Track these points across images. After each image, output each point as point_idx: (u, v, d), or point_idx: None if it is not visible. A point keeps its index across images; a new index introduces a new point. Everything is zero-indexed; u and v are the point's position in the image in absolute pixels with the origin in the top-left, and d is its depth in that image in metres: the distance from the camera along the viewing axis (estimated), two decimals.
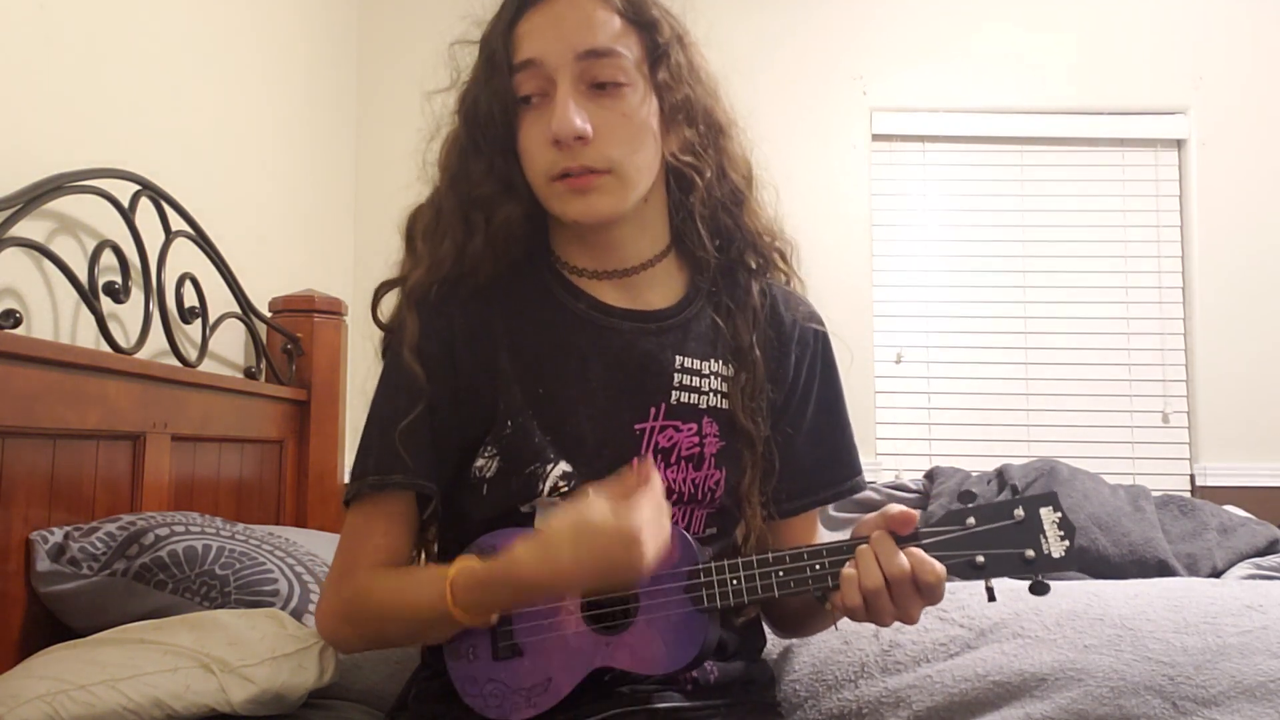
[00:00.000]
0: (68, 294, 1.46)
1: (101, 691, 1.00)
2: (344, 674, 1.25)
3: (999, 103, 2.97)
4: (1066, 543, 0.86)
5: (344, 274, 2.72)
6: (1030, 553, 0.86)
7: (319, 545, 1.60)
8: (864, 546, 0.88)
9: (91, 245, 1.52)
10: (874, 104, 2.98)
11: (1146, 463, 2.89)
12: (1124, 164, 2.99)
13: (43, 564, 1.27)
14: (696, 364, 1.04)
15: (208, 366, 1.86)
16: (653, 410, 1.01)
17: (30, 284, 1.41)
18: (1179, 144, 2.97)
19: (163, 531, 1.33)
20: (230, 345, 2.04)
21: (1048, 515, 0.87)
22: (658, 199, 1.06)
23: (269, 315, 2.17)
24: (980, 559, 0.87)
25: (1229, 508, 2.16)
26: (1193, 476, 2.87)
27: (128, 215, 1.59)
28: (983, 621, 1.27)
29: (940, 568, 0.86)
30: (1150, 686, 1.17)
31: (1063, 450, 2.73)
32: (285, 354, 2.18)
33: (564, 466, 0.99)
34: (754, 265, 1.10)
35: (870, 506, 2.14)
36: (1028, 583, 0.88)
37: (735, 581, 0.91)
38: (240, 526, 1.49)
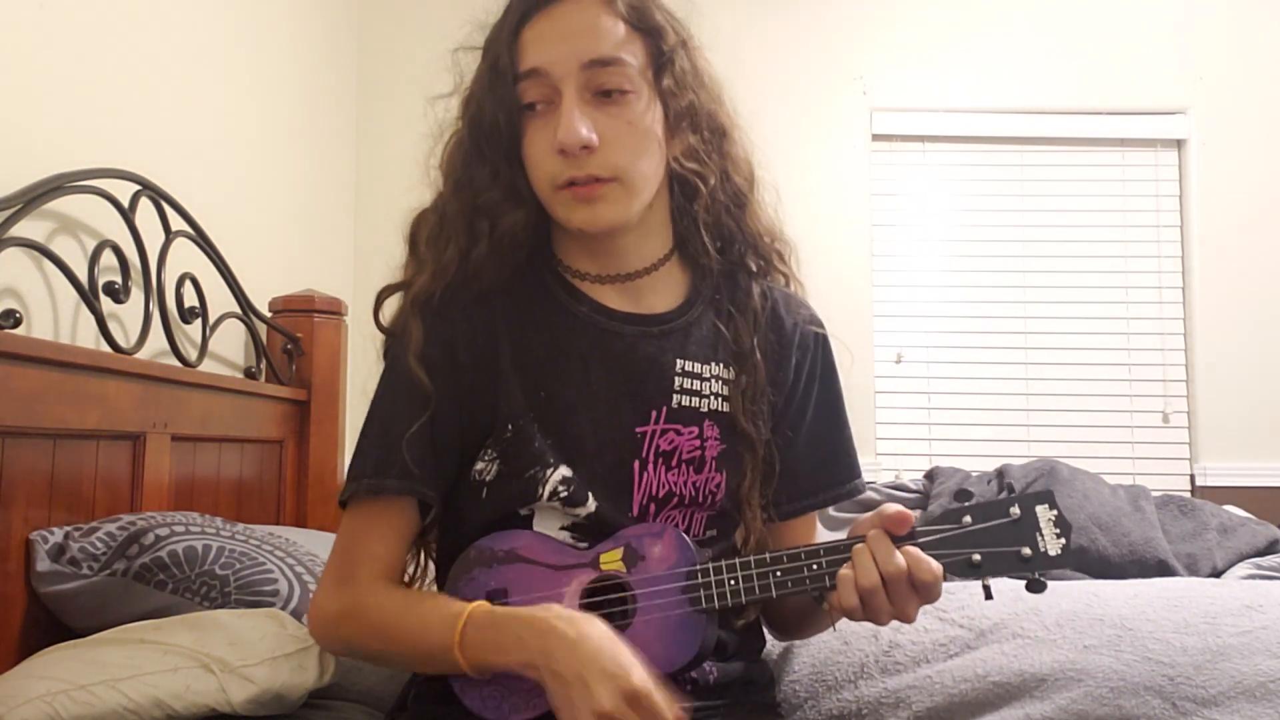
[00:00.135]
0: (68, 294, 1.46)
1: (101, 691, 1.00)
2: (344, 674, 1.25)
3: (999, 103, 2.97)
4: (1063, 540, 0.86)
5: (344, 274, 2.73)
6: (1026, 551, 0.87)
7: (319, 545, 1.60)
8: (860, 545, 0.88)
9: (91, 245, 1.52)
10: (874, 104, 2.98)
11: (1146, 463, 2.89)
12: (1124, 164, 2.99)
13: (43, 564, 1.27)
14: (698, 367, 1.04)
15: (208, 366, 1.86)
16: (654, 414, 1.01)
17: (30, 284, 1.41)
18: (1179, 144, 2.97)
19: (163, 531, 1.33)
20: (230, 345, 2.04)
21: (1044, 513, 0.87)
22: (661, 204, 1.05)
23: (269, 315, 2.17)
24: (977, 557, 0.87)
25: (1229, 508, 2.16)
26: (1193, 476, 2.87)
27: (128, 215, 1.59)
28: (982, 622, 1.27)
29: (937, 566, 0.86)
30: (1150, 686, 1.17)
31: (1063, 450, 2.73)
32: (285, 354, 2.18)
33: (564, 471, 0.99)
34: (755, 268, 1.10)
35: (870, 507, 2.13)
36: (1025, 581, 0.88)
37: (733, 582, 0.91)
38: (240, 526, 1.49)
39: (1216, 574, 1.88)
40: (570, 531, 0.99)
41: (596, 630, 0.85)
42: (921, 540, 0.88)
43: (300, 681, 1.12)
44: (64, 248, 1.46)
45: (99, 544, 1.31)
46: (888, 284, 2.97)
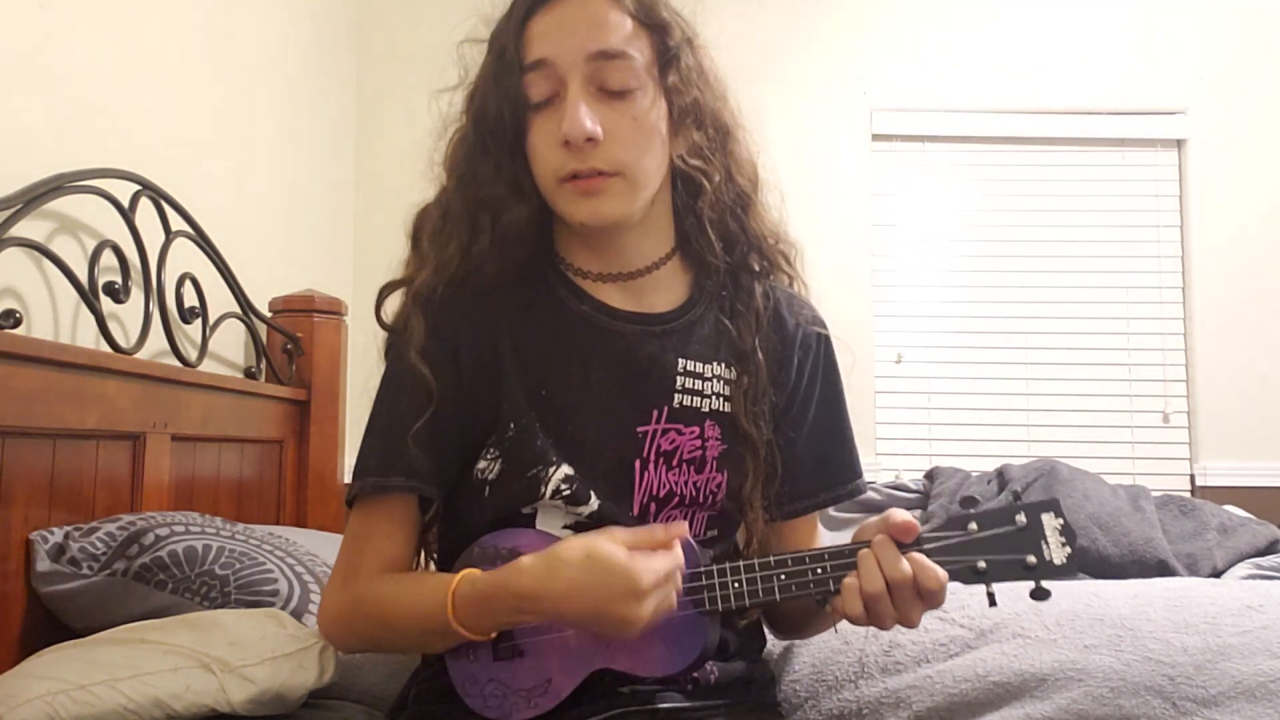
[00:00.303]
0: (68, 294, 1.46)
1: (101, 691, 1.00)
2: (344, 674, 1.25)
3: (999, 103, 2.97)
4: (1068, 549, 0.86)
5: (344, 274, 2.73)
6: (1032, 559, 0.86)
7: (319, 545, 1.60)
8: (866, 551, 0.87)
9: (91, 245, 1.52)
10: (874, 104, 2.98)
11: (1146, 463, 2.89)
12: (1124, 164, 2.99)
13: (43, 564, 1.27)
14: (699, 367, 1.04)
15: (208, 366, 1.86)
16: (655, 413, 1.01)
17: (30, 284, 1.41)
18: (1179, 144, 2.98)
19: (163, 531, 1.33)
20: (230, 345, 2.04)
21: (1049, 521, 0.87)
22: (664, 202, 1.05)
23: (269, 315, 2.17)
24: (982, 564, 0.87)
25: (1229, 508, 2.16)
26: (1193, 476, 2.87)
27: (128, 215, 1.59)
28: (983, 622, 1.27)
29: (942, 573, 0.85)
30: (1150, 686, 1.17)
31: (1063, 450, 2.73)
32: (285, 354, 2.18)
33: (566, 469, 0.99)
34: (758, 268, 1.10)
35: (871, 506, 2.14)
36: (1029, 587, 0.88)
37: (737, 584, 0.91)
38: (240, 526, 1.49)
39: (1216, 574, 1.88)
40: (573, 530, 0.99)
41: (574, 567, 0.84)
42: (927, 546, 0.87)
43: (300, 681, 1.12)
44: (64, 248, 1.46)
45: (99, 544, 1.31)
46: (888, 284, 2.97)
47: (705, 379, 1.04)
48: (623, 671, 0.94)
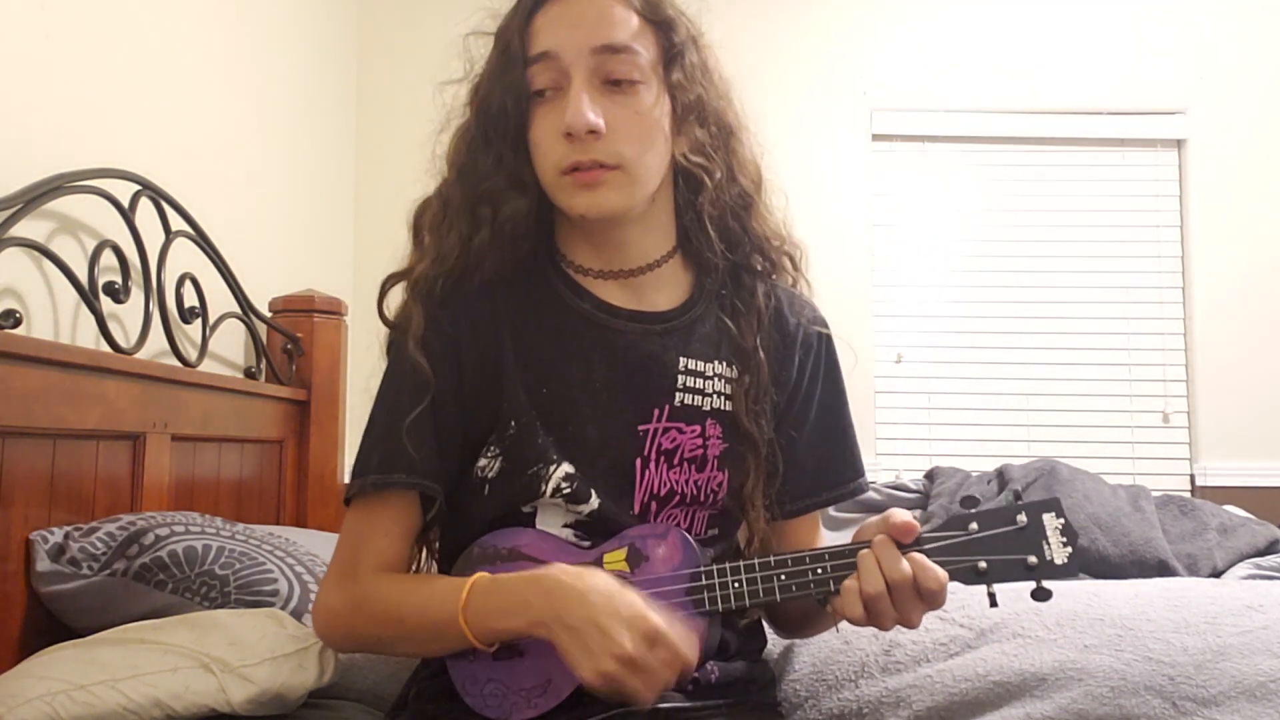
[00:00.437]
0: (68, 294, 1.46)
1: (101, 691, 1.00)
2: (344, 674, 1.25)
3: (999, 103, 2.97)
4: (1069, 549, 0.86)
5: (344, 274, 2.73)
6: (1033, 559, 0.86)
7: (319, 545, 1.60)
8: (866, 551, 0.87)
9: (91, 245, 1.52)
10: (874, 104, 2.98)
11: (1146, 463, 2.89)
12: (1124, 164, 2.99)
13: (43, 564, 1.27)
14: (700, 365, 1.04)
15: (208, 366, 1.86)
16: (656, 412, 1.01)
17: (30, 284, 1.41)
18: (1179, 144, 2.98)
19: (163, 531, 1.33)
20: (230, 345, 2.04)
21: (1050, 521, 0.87)
22: (665, 199, 1.06)
23: (269, 315, 2.17)
24: (983, 564, 0.87)
25: (1229, 508, 2.16)
26: (1193, 476, 2.87)
27: (128, 215, 1.59)
28: (983, 621, 1.27)
29: (943, 574, 0.85)
30: (1150, 686, 1.17)
31: (1063, 450, 2.73)
32: (285, 354, 2.18)
33: (566, 468, 0.99)
34: (760, 268, 1.10)
35: (871, 506, 2.14)
36: (1030, 587, 0.87)
37: (737, 585, 0.91)
38: (240, 526, 1.49)
39: (1216, 574, 1.88)
40: (573, 529, 0.99)
41: (602, 580, 0.86)
42: (928, 546, 0.87)
43: (300, 681, 1.12)
44: (64, 248, 1.46)
45: (99, 544, 1.31)
46: (888, 284, 2.97)
47: (706, 378, 1.04)
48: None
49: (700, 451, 1.02)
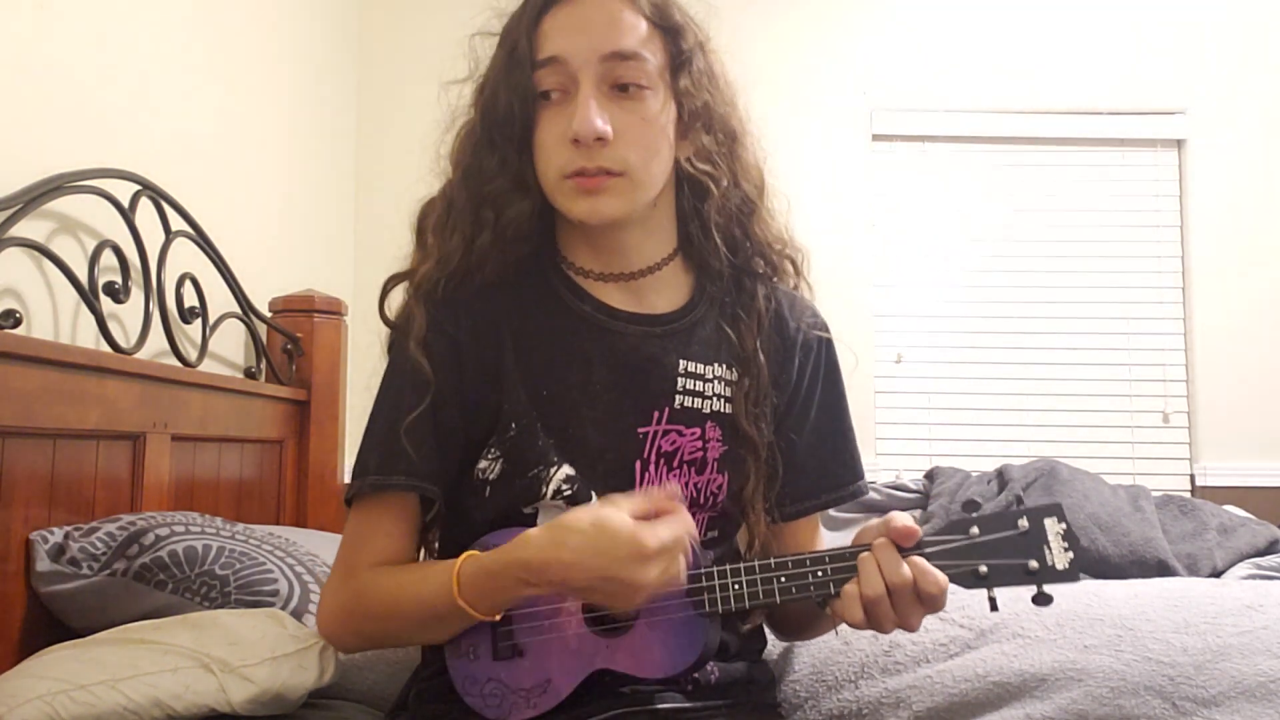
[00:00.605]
0: (68, 294, 1.46)
1: (101, 691, 1.00)
2: (344, 674, 1.25)
3: (999, 103, 2.97)
4: (1070, 554, 0.86)
5: (344, 274, 2.73)
6: (1034, 564, 0.86)
7: (319, 545, 1.60)
8: (866, 554, 0.87)
9: (91, 245, 1.52)
10: (874, 104, 2.98)
11: (1146, 463, 2.89)
12: (1123, 164, 2.99)
13: (43, 564, 1.27)
14: (700, 368, 1.04)
15: (208, 366, 1.86)
16: (656, 414, 1.01)
17: (30, 284, 1.41)
18: (1179, 144, 2.97)
19: (163, 531, 1.33)
20: (230, 345, 2.04)
21: (1052, 526, 0.87)
22: (667, 203, 1.06)
23: (269, 315, 2.17)
24: (983, 569, 0.87)
25: (1229, 508, 2.16)
26: (1193, 476, 2.87)
27: (128, 215, 1.59)
28: (983, 622, 1.27)
29: (943, 578, 0.85)
30: (1150, 686, 1.17)
31: (1063, 450, 2.73)
32: (285, 354, 2.18)
33: (567, 470, 0.99)
34: (761, 272, 1.10)
35: (871, 507, 2.14)
36: (1032, 592, 0.87)
37: (737, 587, 0.91)
38: (240, 526, 1.49)
39: (1216, 574, 1.88)
40: None
41: (581, 535, 0.84)
42: (928, 550, 0.87)
43: (300, 681, 1.12)
44: (64, 248, 1.46)
45: (99, 544, 1.31)
46: (888, 284, 2.97)
47: (706, 380, 1.04)
48: (623, 672, 0.94)
49: (700, 454, 1.02)
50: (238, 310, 2.00)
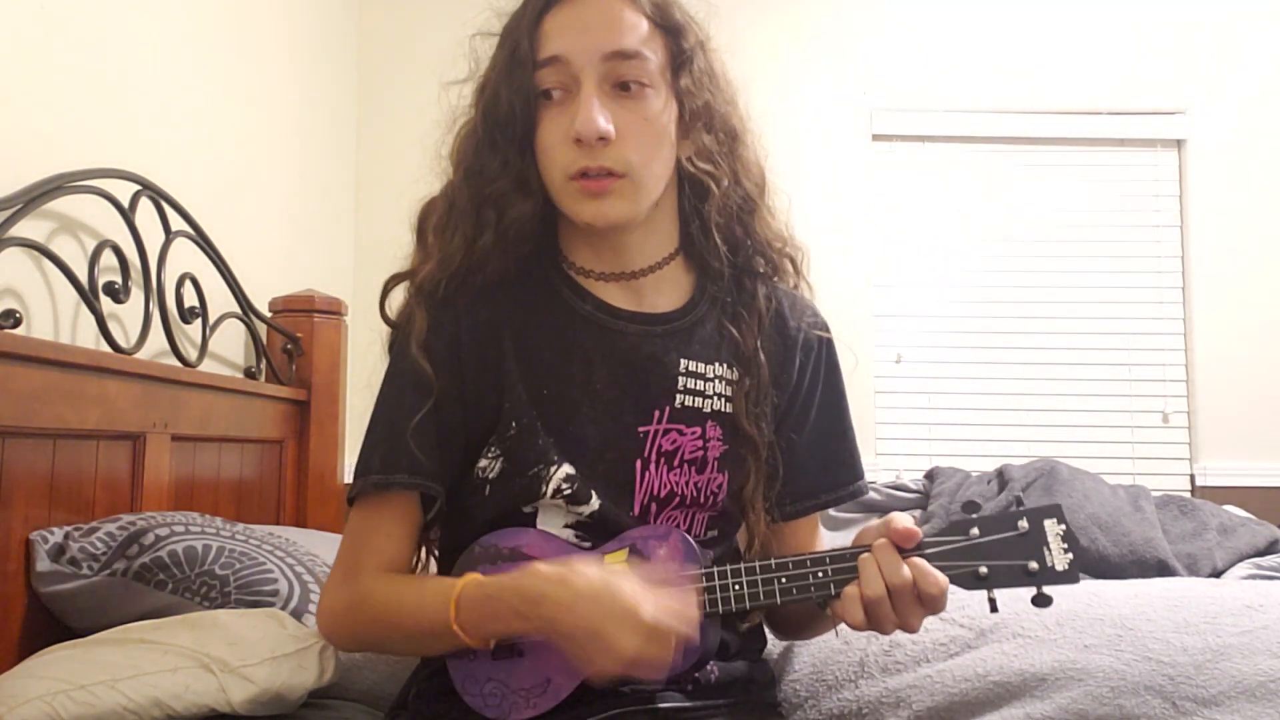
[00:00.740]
0: (68, 294, 1.46)
1: (101, 691, 1.00)
2: (344, 674, 1.25)
3: (999, 103, 2.97)
4: (1070, 556, 0.86)
5: (344, 274, 2.73)
6: (1034, 565, 0.86)
7: (319, 545, 1.60)
8: (866, 555, 0.87)
9: (91, 245, 1.52)
10: (874, 104, 2.98)
11: (1146, 463, 2.89)
12: (1124, 164, 2.99)
13: (43, 564, 1.27)
14: (701, 367, 1.04)
15: (208, 366, 1.86)
16: (656, 413, 1.01)
17: (30, 284, 1.41)
18: (1179, 144, 2.97)
19: (163, 531, 1.33)
20: (230, 345, 2.04)
21: (1051, 527, 0.87)
22: (668, 202, 1.06)
23: (269, 315, 2.17)
24: (983, 570, 0.87)
25: (1229, 508, 2.16)
26: (1193, 476, 2.87)
27: (128, 215, 1.59)
28: (983, 621, 1.27)
29: (943, 579, 0.85)
30: (1150, 686, 1.17)
31: (1063, 450, 2.73)
32: (285, 354, 2.18)
33: (567, 469, 0.99)
34: (762, 271, 1.10)
35: (871, 506, 2.14)
36: (1031, 593, 0.87)
37: (737, 587, 0.91)
38: (240, 526, 1.49)
39: (1216, 574, 1.88)
40: (574, 530, 0.99)
41: (587, 580, 0.85)
42: (928, 551, 0.87)
43: (300, 681, 1.12)
44: (64, 248, 1.46)
45: (99, 544, 1.31)
46: (888, 284, 2.97)
47: (707, 379, 1.04)
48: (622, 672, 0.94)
49: (700, 453, 1.02)
50: (238, 310, 2.00)
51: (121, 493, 1.50)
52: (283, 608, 1.30)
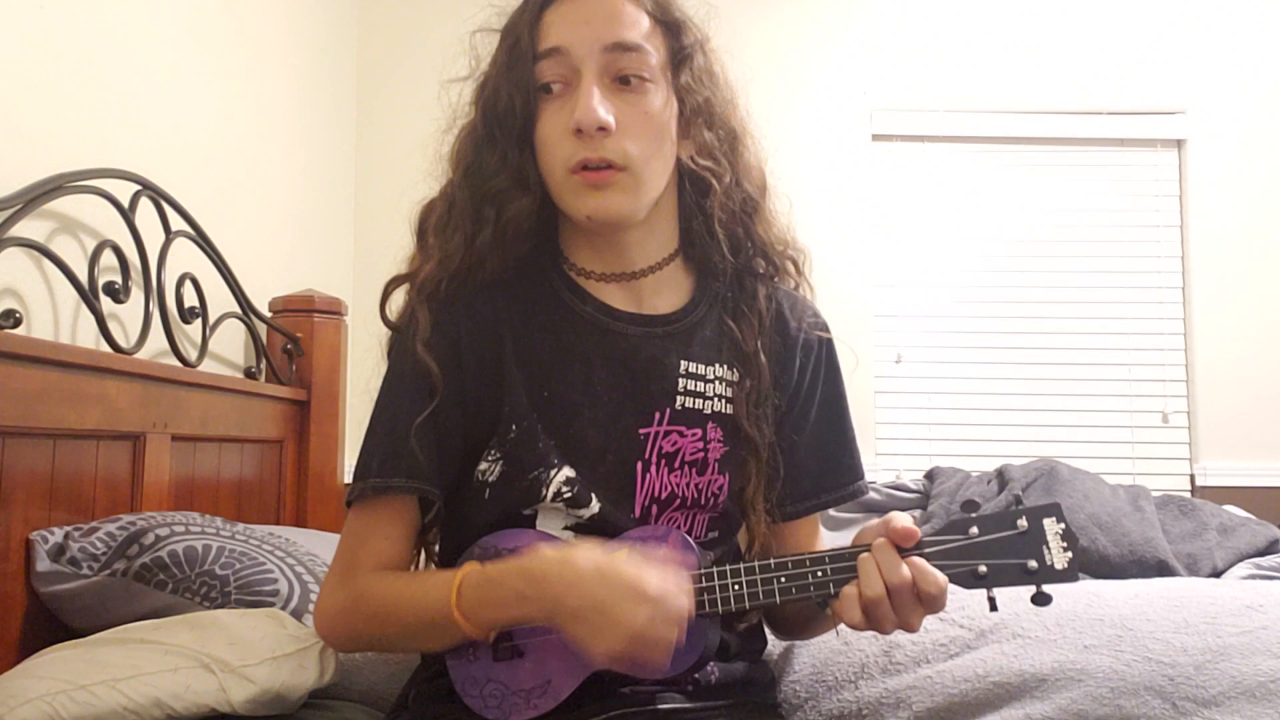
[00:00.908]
0: (68, 294, 1.46)
1: (101, 691, 1.00)
2: (344, 674, 1.25)
3: (999, 103, 2.97)
4: (1069, 554, 0.86)
5: (344, 274, 2.73)
6: (1033, 564, 0.86)
7: (319, 545, 1.60)
8: (865, 555, 0.87)
9: (91, 245, 1.52)
10: (874, 104, 2.98)
11: (1146, 463, 2.89)
12: (1124, 164, 2.99)
13: (43, 564, 1.27)
14: (701, 369, 1.04)
15: (208, 366, 1.86)
16: (657, 415, 1.01)
17: (30, 284, 1.41)
18: (1179, 144, 2.98)
19: (163, 531, 1.33)
20: (230, 345, 2.04)
21: (1051, 526, 0.87)
22: (668, 202, 1.05)
23: (269, 315, 2.17)
24: (983, 569, 0.87)
25: (1229, 508, 2.16)
26: (1193, 476, 2.87)
27: (128, 215, 1.59)
28: (983, 622, 1.27)
29: (943, 578, 0.85)
30: (1150, 686, 1.17)
31: (1063, 450, 2.73)
32: (285, 354, 2.18)
33: (567, 472, 0.99)
34: (763, 272, 1.10)
35: (871, 507, 2.14)
36: (1030, 591, 0.87)
37: (737, 587, 0.91)
38: (240, 526, 1.49)
39: (1216, 574, 1.88)
40: (573, 532, 0.99)
41: (590, 559, 0.85)
42: (928, 550, 0.87)
43: (300, 681, 1.12)
44: (64, 248, 1.46)
45: (99, 544, 1.31)
46: (888, 284, 2.97)
47: (707, 381, 1.04)
48: (622, 673, 0.93)
49: (701, 455, 1.02)
50: (238, 310, 2.00)
51: (121, 493, 1.50)
52: (283, 608, 1.30)
